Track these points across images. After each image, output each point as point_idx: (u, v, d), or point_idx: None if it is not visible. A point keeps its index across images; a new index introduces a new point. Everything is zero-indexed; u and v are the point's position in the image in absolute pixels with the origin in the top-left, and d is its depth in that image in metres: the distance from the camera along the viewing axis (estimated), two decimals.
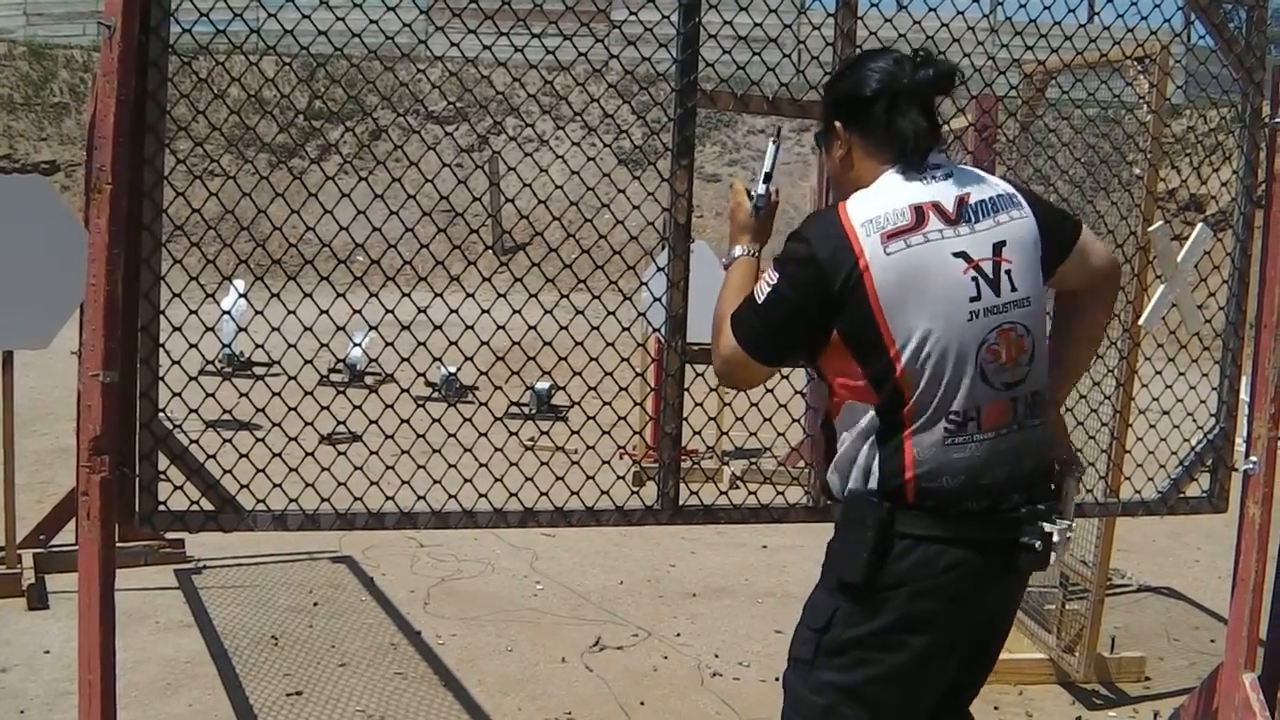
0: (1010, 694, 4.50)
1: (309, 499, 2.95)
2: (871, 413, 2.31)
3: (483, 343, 3.29)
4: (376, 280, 3.18)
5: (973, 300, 2.29)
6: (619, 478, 3.27)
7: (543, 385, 9.16)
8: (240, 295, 3.26)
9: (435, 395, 9.18)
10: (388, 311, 3.02)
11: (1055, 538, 2.29)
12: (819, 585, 2.42)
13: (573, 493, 3.13)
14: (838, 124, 2.45)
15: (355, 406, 3.23)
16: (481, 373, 3.65)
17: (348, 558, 5.96)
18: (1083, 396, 3.78)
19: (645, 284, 3.35)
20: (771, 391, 3.03)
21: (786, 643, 2.48)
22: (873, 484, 2.31)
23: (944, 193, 2.34)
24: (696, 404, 3.21)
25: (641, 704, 4.35)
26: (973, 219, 2.32)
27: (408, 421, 3.09)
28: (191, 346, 2.90)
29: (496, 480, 3.09)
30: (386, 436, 3.05)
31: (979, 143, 4.13)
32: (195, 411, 3.00)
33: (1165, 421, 3.73)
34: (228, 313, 3.19)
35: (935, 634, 2.32)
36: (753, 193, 2.61)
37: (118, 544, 2.73)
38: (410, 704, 4.27)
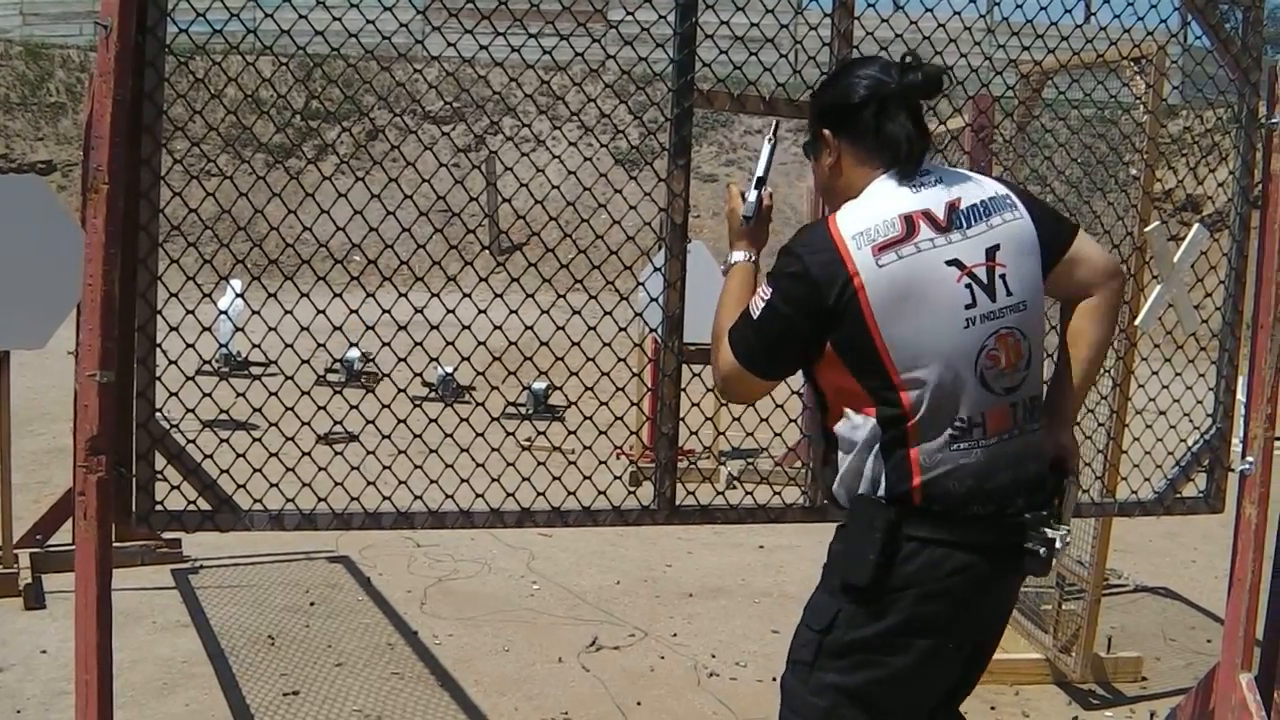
0: (1007, 694, 4.50)
1: (306, 499, 2.95)
2: (873, 423, 2.30)
3: (479, 343, 3.29)
4: (373, 280, 3.18)
5: (968, 308, 2.28)
6: (616, 478, 3.26)
7: (539, 385, 9.18)
8: (237, 295, 3.26)
9: (432, 395, 9.18)
10: (385, 311, 3.02)
11: (1057, 543, 2.30)
12: (820, 587, 2.41)
13: (569, 493, 3.13)
14: (826, 132, 2.43)
15: (352, 406, 3.23)
16: (478, 373, 3.66)
17: (344, 558, 5.96)
18: None
19: (642, 284, 3.35)
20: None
21: (783, 643, 2.47)
22: (880, 491, 2.31)
23: (934, 199, 2.32)
24: (693, 404, 3.21)
25: (638, 704, 4.35)
26: (964, 224, 2.31)
27: (404, 421, 3.09)
28: (188, 346, 2.90)
29: (493, 480, 3.10)
30: (383, 436, 3.05)
31: (976, 143, 4.13)
32: (192, 411, 3.01)
33: (1162, 422, 3.73)
34: (224, 312, 3.18)
35: (939, 636, 2.31)
36: (746, 196, 2.60)
37: (114, 544, 2.73)
38: (407, 704, 4.27)
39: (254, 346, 3.06)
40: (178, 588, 5.42)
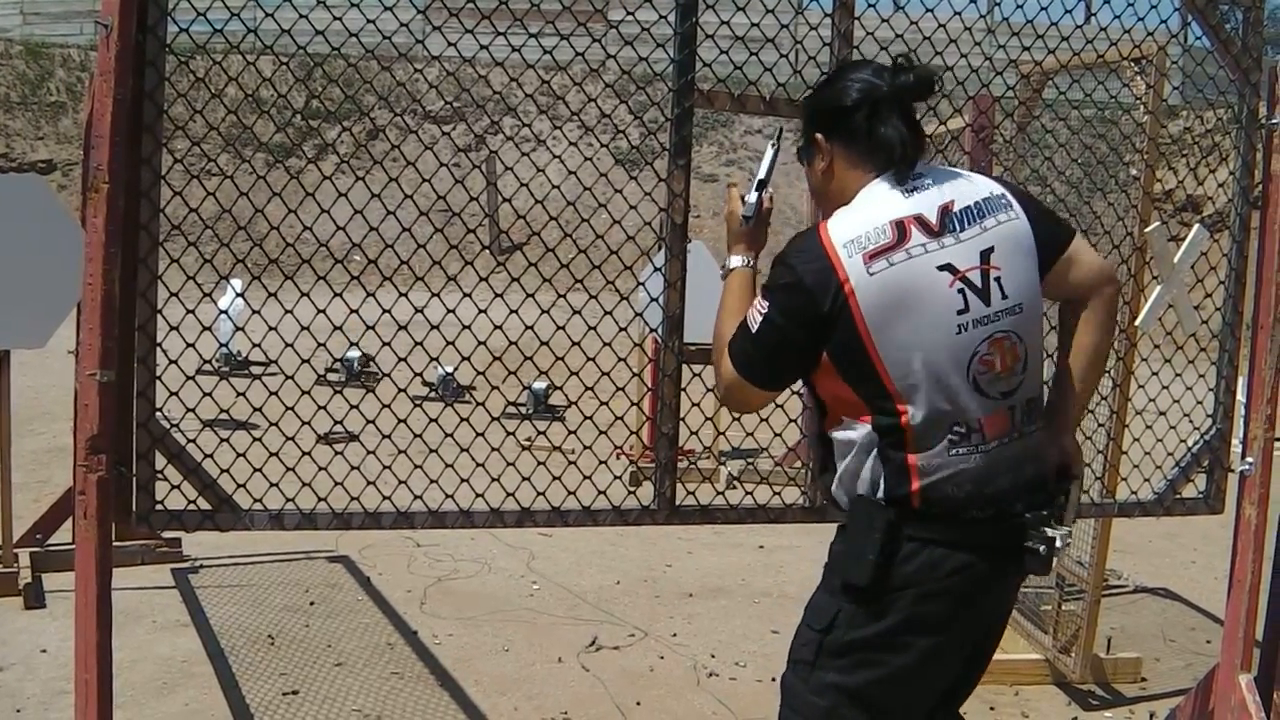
0: (1006, 694, 4.50)
1: (306, 498, 2.95)
2: (868, 429, 2.31)
3: (480, 342, 3.29)
4: (374, 280, 3.18)
5: (960, 313, 2.27)
6: (616, 478, 3.27)
7: (540, 385, 9.18)
8: (237, 294, 3.26)
9: (432, 395, 9.17)
10: (385, 311, 3.02)
11: (1058, 542, 2.29)
12: (821, 586, 2.42)
13: (570, 493, 3.13)
14: (819, 136, 2.43)
15: (352, 406, 3.23)
16: (478, 372, 3.66)
17: (344, 557, 5.96)
18: None
19: (642, 284, 3.35)
20: None
21: (783, 643, 2.47)
22: (880, 493, 2.31)
23: (926, 203, 2.31)
24: (693, 404, 3.21)
25: (638, 704, 4.35)
26: (957, 228, 2.30)
27: (405, 421, 3.09)
28: (189, 346, 2.90)
29: (493, 480, 3.10)
30: (384, 436, 3.05)
31: (976, 144, 4.13)
32: (192, 411, 3.01)
33: (1162, 422, 3.74)
34: (225, 312, 3.18)
35: (939, 636, 2.32)
36: (746, 199, 2.59)
37: (114, 543, 2.73)
38: (406, 704, 4.27)
39: (254, 346, 3.06)
40: (177, 587, 5.43)
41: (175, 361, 2.81)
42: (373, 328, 3.07)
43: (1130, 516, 3.83)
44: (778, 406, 3.24)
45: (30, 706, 4.07)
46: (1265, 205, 3.55)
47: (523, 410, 8.76)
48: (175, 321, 2.85)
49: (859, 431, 2.32)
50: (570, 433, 3.31)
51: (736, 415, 3.31)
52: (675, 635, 5.10)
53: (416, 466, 3.02)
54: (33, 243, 4.79)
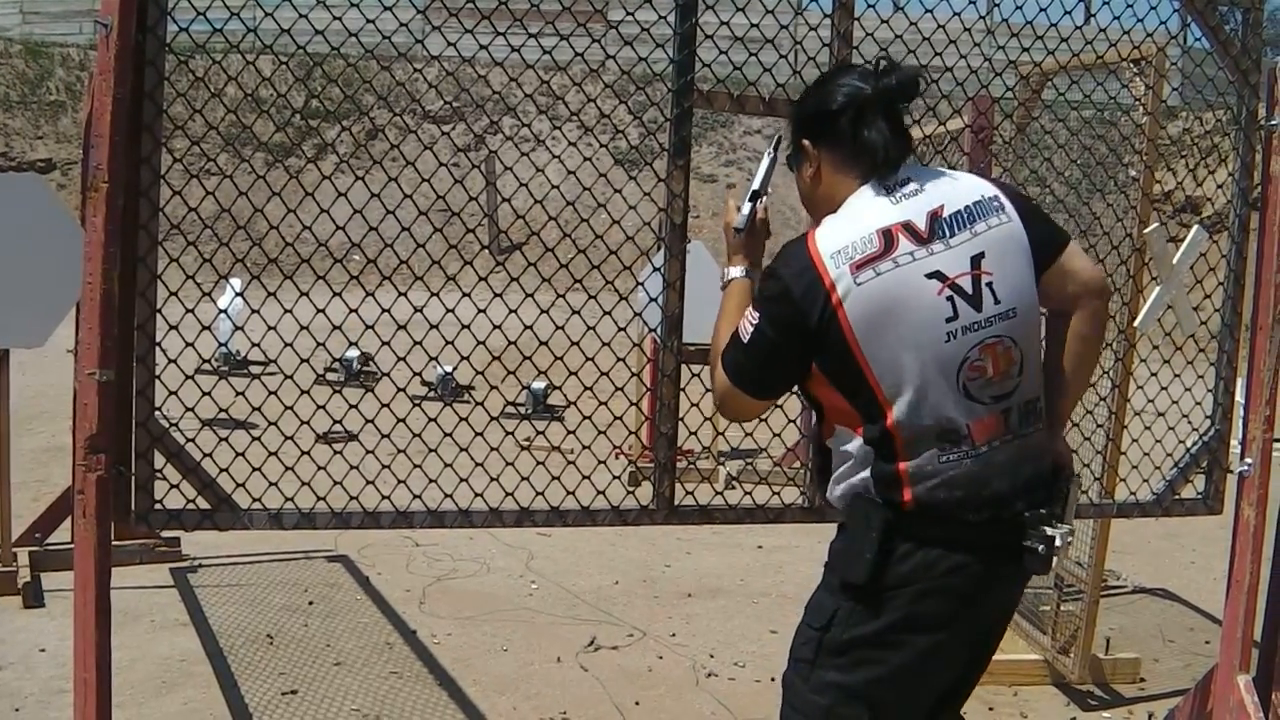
0: (1005, 695, 4.50)
1: (305, 498, 2.95)
2: (860, 440, 2.32)
3: (479, 342, 3.29)
4: (373, 279, 3.18)
5: (949, 321, 2.26)
6: (615, 477, 3.27)
7: (539, 385, 9.18)
8: (237, 294, 3.26)
9: (431, 394, 9.18)
10: (384, 310, 3.02)
11: (1057, 541, 2.29)
12: (821, 585, 2.42)
13: (568, 492, 3.13)
14: (806, 142, 2.43)
15: (351, 406, 3.23)
16: (478, 372, 3.66)
17: (343, 557, 5.96)
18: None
19: (641, 284, 3.36)
20: None
21: (782, 643, 2.48)
22: (874, 498, 2.32)
23: (914, 209, 2.30)
24: (692, 404, 3.22)
25: (636, 704, 4.35)
26: (947, 233, 2.29)
27: (404, 421, 3.09)
28: (188, 345, 2.90)
29: (492, 480, 3.10)
30: (383, 436, 3.05)
31: (975, 145, 4.13)
32: (191, 410, 3.01)
33: (1160, 423, 3.74)
34: (224, 311, 3.18)
35: (938, 635, 2.32)
36: (741, 208, 2.58)
37: (113, 542, 2.73)
38: (405, 703, 4.27)
39: (253, 345, 3.06)
40: (176, 586, 5.43)
41: (174, 361, 2.81)
42: (372, 327, 3.07)
43: (1129, 517, 3.83)
44: (777, 407, 3.25)
45: (29, 705, 4.07)
46: (1264, 207, 3.54)
47: (522, 410, 8.77)
48: (174, 321, 2.85)
49: (854, 444, 2.33)
50: (569, 432, 3.31)
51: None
52: (674, 635, 5.10)
53: (415, 466, 3.02)
54: (32, 242, 4.79)
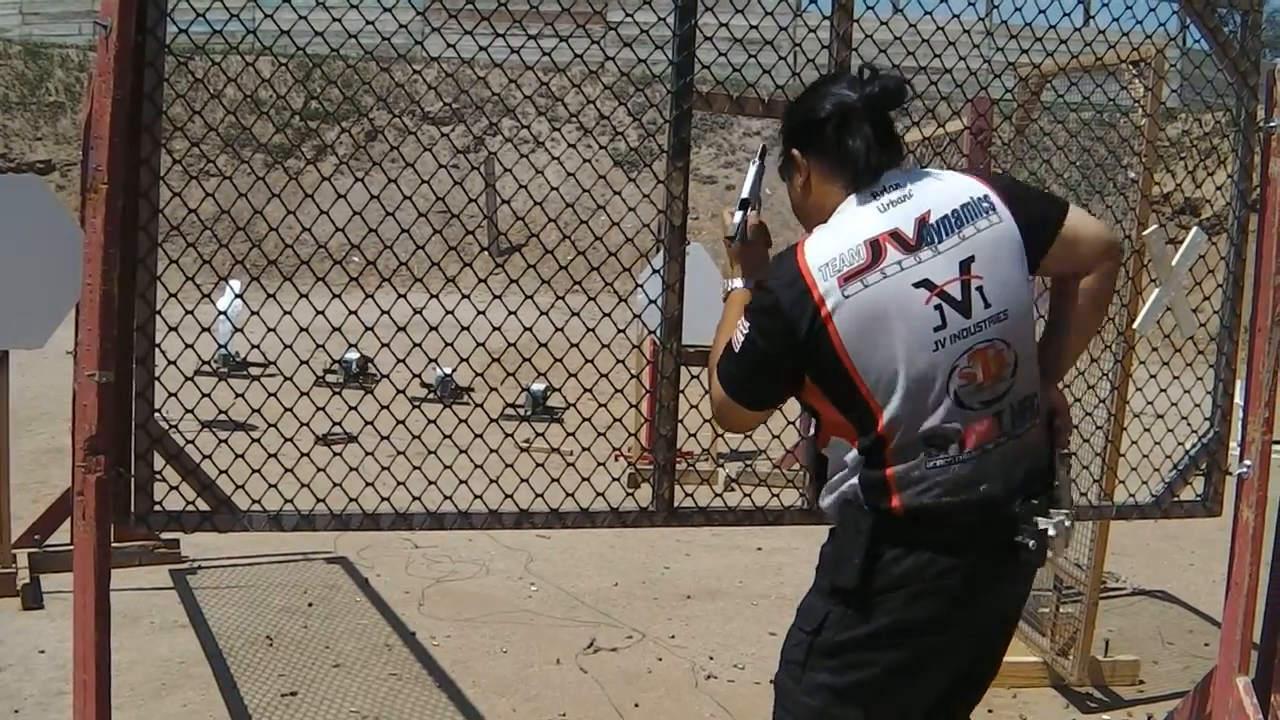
0: (1004, 697, 4.50)
1: (304, 499, 2.95)
2: (854, 451, 2.33)
3: (478, 344, 3.29)
4: (372, 281, 3.18)
5: (937, 330, 2.26)
6: (614, 479, 3.27)
7: (538, 387, 9.17)
8: (236, 295, 3.26)
9: (431, 396, 9.17)
10: (384, 312, 3.02)
11: (1051, 531, 2.28)
12: (812, 588, 2.43)
13: (568, 494, 3.13)
14: (795, 151, 2.44)
15: (351, 407, 3.23)
16: (477, 374, 3.66)
17: (343, 558, 5.96)
18: (1077, 399, 3.78)
19: (641, 286, 3.36)
20: None
21: (781, 645, 2.48)
22: (864, 504, 2.33)
23: (902, 216, 2.30)
24: (692, 406, 3.21)
25: (636, 706, 4.35)
26: (935, 239, 2.28)
27: (403, 422, 3.09)
28: (188, 347, 2.90)
29: (492, 482, 3.10)
30: (382, 437, 3.05)
31: (974, 146, 4.13)
32: (191, 412, 3.01)
33: (1159, 425, 3.74)
34: (224, 313, 3.18)
35: (929, 638, 2.32)
36: (732, 219, 2.57)
37: (113, 544, 2.73)
38: (405, 705, 4.27)
39: (253, 347, 3.06)
40: (176, 588, 5.42)
41: (174, 362, 2.81)
42: (371, 329, 3.06)
43: (1128, 519, 3.83)
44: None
45: (28, 707, 4.07)
46: (1263, 208, 3.54)
47: (521, 412, 8.75)
48: (174, 322, 2.85)
49: (846, 452, 2.35)
50: (569, 434, 3.31)
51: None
52: (673, 637, 5.11)
53: (415, 468, 3.02)
54: (31, 243, 4.79)
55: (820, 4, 3.22)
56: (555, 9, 3.01)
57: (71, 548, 2.67)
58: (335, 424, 3.09)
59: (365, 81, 3.11)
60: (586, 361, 3.16)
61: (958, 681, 2.48)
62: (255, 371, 3.31)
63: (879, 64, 2.49)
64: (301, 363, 3.05)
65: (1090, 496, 3.97)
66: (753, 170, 2.64)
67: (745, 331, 2.34)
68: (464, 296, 3.12)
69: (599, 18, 3.11)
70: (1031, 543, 2.29)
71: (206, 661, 4.55)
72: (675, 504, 3.19)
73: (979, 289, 2.28)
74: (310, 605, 5.29)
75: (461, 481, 3.06)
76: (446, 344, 3.14)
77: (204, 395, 2.99)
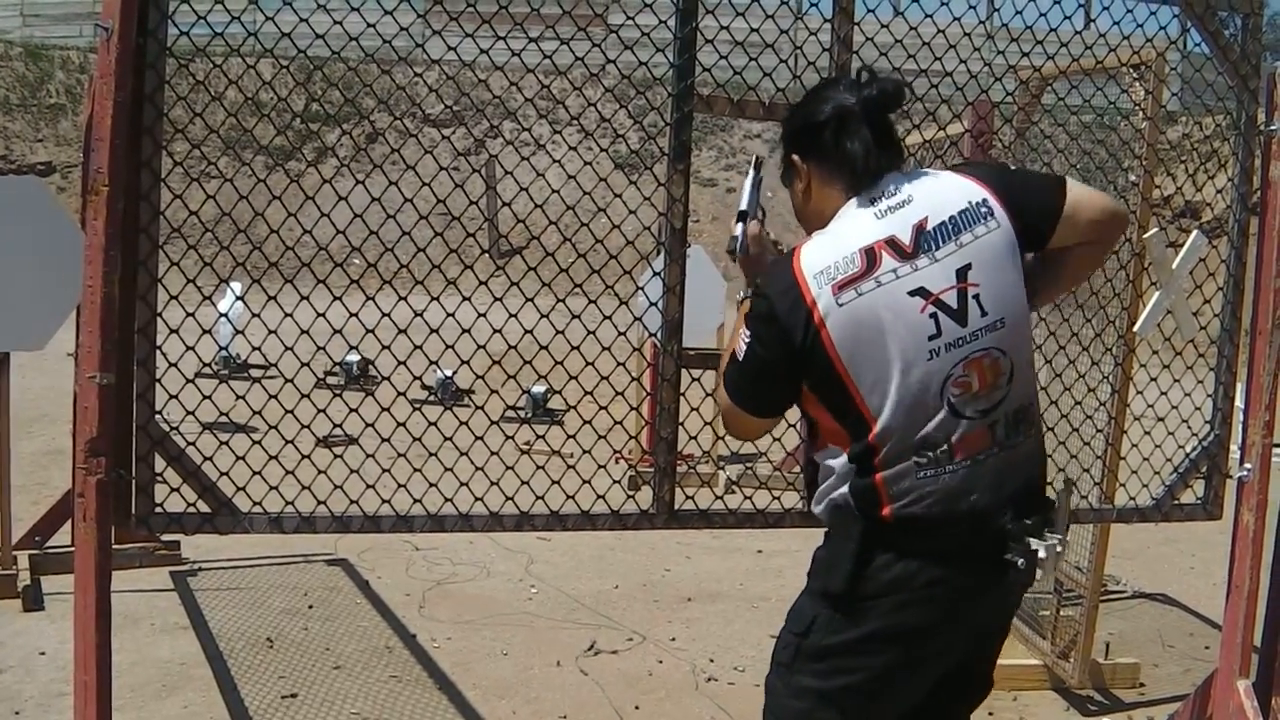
0: (1004, 699, 4.50)
1: (305, 501, 2.95)
2: (844, 456, 2.33)
3: (479, 346, 3.29)
4: (373, 283, 3.18)
5: (932, 338, 2.25)
6: (614, 482, 3.27)
7: (539, 389, 9.16)
8: (237, 298, 3.26)
9: (431, 398, 9.17)
10: (384, 314, 3.02)
11: (1042, 554, 2.27)
12: (803, 591, 2.46)
13: (568, 497, 3.13)
14: (795, 157, 2.44)
15: (352, 409, 3.23)
16: (478, 376, 3.66)
17: (343, 560, 5.96)
18: (1078, 403, 3.78)
19: (641, 288, 3.36)
20: None
21: None
22: (855, 511, 2.33)
23: (899, 223, 2.29)
24: (692, 409, 3.22)
25: (636, 708, 4.35)
26: (932, 247, 2.27)
27: (404, 425, 3.09)
28: (188, 349, 2.90)
29: (492, 484, 3.10)
30: (383, 439, 3.05)
31: (975, 149, 4.14)
32: (192, 414, 3.01)
33: (1160, 428, 3.74)
34: (224, 315, 3.19)
35: (915, 646, 2.32)
36: (734, 233, 2.56)
37: (113, 545, 2.73)
38: (405, 707, 4.27)
39: (254, 349, 3.06)
40: (176, 590, 5.42)
41: (175, 364, 2.81)
42: (372, 331, 3.06)
43: (1129, 522, 3.83)
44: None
45: (29, 709, 4.07)
46: (1263, 211, 3.55)
47: (521, 414, 8.74)
48: (175, 324, 2.85)
49: (839, 460, 2.34)
50: (569, 437, 3.31)
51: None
52: (674, 639, 5.10)
53: (415, 470, 3.02)
54: (32, 245, 4.79)
55: (821, 7, 3.23)
56: (556, 12, 3.01)
57: (72, 549, 2.67)
58: (336, 426, 3.09)
59: (366, 84, 3.10)
60: (587, 364, 3.16)
61: (949, 686, 2.47)
62: (256, 373, 3.31)
63: (880, 67, 2.49)
64: (302, 365, 3.06)
65: (1091, 499, 3.97)
66: (749, 182, 2.63)
67: (746, 339, 2.35)
68: (465, 299, 3.12)
69: (600, 20, 3.12)
70: (1021, 561, 2.28)
71: (207, 663, 4.55)
72: (676, 506, 3.19)
73: (975, 297, 2.28)
74: (311, 607, 5.29)
75: (462, 484, 3.06)
76: (447, 346, 3.15)
77: (205, 397, 2.99)
